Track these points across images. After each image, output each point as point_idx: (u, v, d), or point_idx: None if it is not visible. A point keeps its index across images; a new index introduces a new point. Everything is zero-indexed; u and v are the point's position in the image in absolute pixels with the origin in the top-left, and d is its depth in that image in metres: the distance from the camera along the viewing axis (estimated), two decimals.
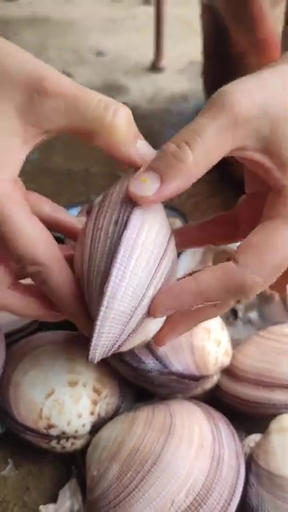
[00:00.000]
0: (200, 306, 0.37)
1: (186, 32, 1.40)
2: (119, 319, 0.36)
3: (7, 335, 0.58)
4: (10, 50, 0.37)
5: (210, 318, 0.41)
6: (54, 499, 0.52)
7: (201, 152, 0.35)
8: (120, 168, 0.95)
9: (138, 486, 0.43)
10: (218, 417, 0.50)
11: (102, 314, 0.35)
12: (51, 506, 0.50)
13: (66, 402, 0.50)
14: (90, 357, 0.37)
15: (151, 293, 0.37)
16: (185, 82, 1.23)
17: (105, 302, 0.35)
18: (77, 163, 0.98)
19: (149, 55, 1.28)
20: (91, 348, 0.36)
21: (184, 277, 0.38)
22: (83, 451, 0.52)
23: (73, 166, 0.97)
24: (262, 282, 0.36)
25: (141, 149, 0.39)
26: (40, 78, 0.35)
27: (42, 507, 0.50)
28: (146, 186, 0.35)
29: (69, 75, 1.26)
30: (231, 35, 0.91)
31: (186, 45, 1.32)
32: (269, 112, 0.35)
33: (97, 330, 0.36)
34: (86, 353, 0.37)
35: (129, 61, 1.32)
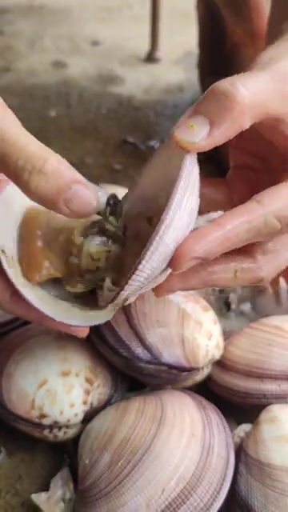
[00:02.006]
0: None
1: (183, 22, 1.40)
2: (158, 259, 0.34)
3: None
4: None
5: (222, 286, 0.39)
6: (45, 487, 0.52)
7: (253, 91, 0.33)
8: (115, 160, 0.95)
9: (129, 475, 0.44)
10: (209, 407, 0.50)
11: (155, 242, 0.33)
12: (43, 495, 0.51)
13: (58, 391, 0.51)
14: (122, 292, 0.35)
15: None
16: (181, 72, 1.23)
17: (160, 231, 0.33)
18: (72, 153, 0.97)
19: (145, 45, 1.28)
20: (129, 282, 0.35)
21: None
22: (75, 440, 0.53)
23: (67, 157, 0.96)
24: (280, 226, 0.35)
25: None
26: None
27: (33, 495, 0.50)
28: (195, 131, 0.33)
29: (64, 65, 1.25)
30: (227, 26, 0.91)
31: (183, 35, 1.32)
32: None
33: (143, 262, 0.34)
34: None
35: (124, 51, 1.31)
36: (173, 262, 0.35)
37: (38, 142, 0.36)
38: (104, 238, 0.41)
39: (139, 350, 0.51)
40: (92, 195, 0.36)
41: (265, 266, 0.39)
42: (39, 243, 0.40)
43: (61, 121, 1.05)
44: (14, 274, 0.39)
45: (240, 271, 0.39)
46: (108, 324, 0.52)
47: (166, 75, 1.22)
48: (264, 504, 0.42)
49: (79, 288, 0.42)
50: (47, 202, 0.35)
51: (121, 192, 0.67)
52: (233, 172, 0.45)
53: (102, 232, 0.42)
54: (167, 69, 1.25)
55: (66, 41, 1.35)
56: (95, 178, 0.91)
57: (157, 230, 0.33)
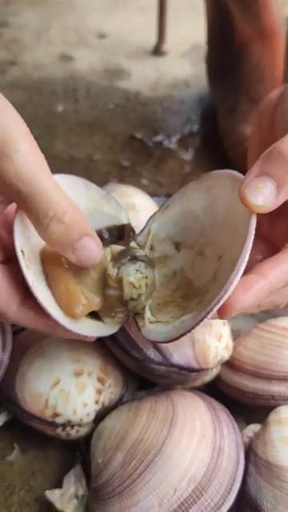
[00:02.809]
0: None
1: (190, 15, 1.39)
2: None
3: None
4: None
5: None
6: (58, 483, 0.54)
7: None
8: (123, 156, 0.96)
9: (142, 475, 0.45)
10: (219, 408, 0.51)
11: (234, 280, 0.35)
12: (57, 491, 0.52)
13: (71, 391, 0.52)
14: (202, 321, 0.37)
15: None
16: (187, 66, 1.23)
17: (240, 270, 0.35)
18: (80, 150, 0.98)
19: (151, 38, 1.27)
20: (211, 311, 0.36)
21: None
22: (87, 438, 0.54)
23: (75, 153, 0.97)
24: None
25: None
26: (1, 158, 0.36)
27: (47, 492, 0.52)
28: (264, 194, 0.34)
29: (70, 58, 1.25)
30: (235, 23, 0.90)
31: (190, 28, 1.31)
32: None
33: (224, 296, 0.35)
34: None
35: (131, 44, 1.30)
36: (222, 311, 0.36)
37: (61, 189, 0.38)
38: (138, 265, 0.43)
39: (151, 352, 0.52)
40: (98, 248, 0.40)
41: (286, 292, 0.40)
42: (73, 280, 0.42)
43: (68, 116, 1.05)
44: (35, 277, 0.40)
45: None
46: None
47: (173, 69, 1.21)
48: (273, 504, 0.44)
49: (118, 318, 0.43)
50: (59, 247, 0.39)
51: (131, 192, 0.68)
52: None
53: (134, 259, 0.43)
54: (174, 62, 1.24)
55: (73, 33, 1.35)
56: (103, 175, 0.92)
57: (237, 268, 0.35)
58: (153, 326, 0.42)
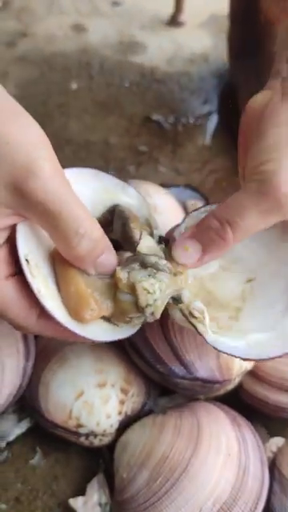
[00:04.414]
0: None
1: None
2: None
3: None
4: (11, 129, 0.35)
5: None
6: (80, 488, 0.55)
7: (241, 232, 0.38)
8: (140, 141, 0.93)
9: (168, 493, 0.45)
10: (243, 423, 0.51)
11: None
12: (80, 499, 0.53)
13: (95, 403, 0.52)
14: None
15: None
16: (206, 38, 1.17)
17: None
18: (95, 132, 0.95)
19: (167, 7, 1.21)
20: None
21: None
22: (110, 446, 0.54)
23: (91, 136, 0.94)
24: None
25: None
26: (26, 176, 0.35)
27: (71, 500, 0.53)
28: (188, 254, 0.41)
29: (83, 29, 1.20)
30: (261, 1, 0.85)
31: None
32: None
33: None
34: None
35: (146, 12, 1.25)
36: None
37: (85, 207, 0.39)
38: (149, 271, 0.41)
39: (175, 366, 0.51)
40: (115, 260, 0.41)
41: None
42: (83, 283, 0.40)
43: (82, 95, 1.02)
44: (42, 284, 0.39)
45: None
46: (145, 339, 0.53)
47: (191, 42, 1.16)
48: None
49: (134, 324, 0.42)
50: (82, 263, 0.40)
51: (152, 190, 0.66)
52: None
53: (143, 265, 0.42)
54: (192, 34, 1.19)
55: (85, 0, 1.29)
56: (120, 161, 0.90)
57: None
58: (216, 335, 0.43)
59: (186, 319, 0.42)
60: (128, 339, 0.52)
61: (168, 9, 1.22)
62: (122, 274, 0.40)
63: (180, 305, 0.42)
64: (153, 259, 0.42)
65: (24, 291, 0.39)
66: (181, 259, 0.41)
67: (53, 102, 0.98)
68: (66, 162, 0.98)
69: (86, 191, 0.44)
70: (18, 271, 0.40)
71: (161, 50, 1.14)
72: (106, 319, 0.43)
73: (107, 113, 0.99)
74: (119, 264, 0.42)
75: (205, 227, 0.40)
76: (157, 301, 0.41)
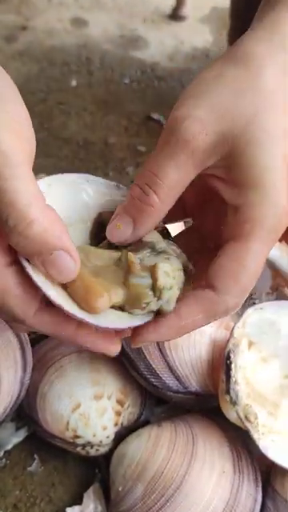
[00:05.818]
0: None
1: None
2: None
3: None
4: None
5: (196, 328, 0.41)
6: (78, 495, 0.56)
7: (165, 192, 0.36)
8: (139, 141, 0.92)
9: (162, 509, 0.46)
10: (237, 438, 0.52)
11: None
12: (76, 508, 0.54)
13: (91, 415, 0.53)
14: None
15: None
16: (207, 33, 1.16)
17: None
18: (94, 132, 0.94)
19: (170, 0, 1.20)
20: None
21: None
22: (106, 455, 0.55)
23: (90, 136, 0.93)
24: (240, 303, 0.37)
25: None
26: None
27: (68, 509, 0.54)
28: (121, 231, 0.38)
29: (83, 22, 1.18)
30: None
31: None
32: (225, 133, 0.35)
33: None
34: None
35: (147, 5, 1.23)
36: (132, 339, 0.39)
37: (34, 194, 0.35)
38: (161, 256, 0.40)
39: (169, 380, 0.52)
40: (73, 263, 0.36)
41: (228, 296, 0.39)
42: (88, 275, 0.38)
43: (82, 92, 1.01)
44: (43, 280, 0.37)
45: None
46: (140, 352, 0.53)
47: (192, 36, 1.15)
48: None
49: (148, 309, 0.39)
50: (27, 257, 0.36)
51: None
52: None
53: (155, 251, 0.40)
54: (193, 28, 1.17)
55: None
56: (119, 162, 0.89)
57: None
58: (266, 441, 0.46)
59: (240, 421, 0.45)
60: (123, 352, 0.53)
61: (170, 1, 1.21)
62: (135, 258, 0.39)
63: (236, 406, 0.44)
64: (162, 245, 0.41)
65: (25, 282, 0.37)
66: (114, 238, 0.38)
67: (53, 100, 0.98)
68: (65, 162, 0.98)
69: (76, 196, 0.42)
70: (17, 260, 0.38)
71: (162, 46, 1.13)
72: (119, 309, 0.39)
73: (107, 111, 0.98)
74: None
75: (130, 199, 0.38)
76: (173, 287, 0.39)
